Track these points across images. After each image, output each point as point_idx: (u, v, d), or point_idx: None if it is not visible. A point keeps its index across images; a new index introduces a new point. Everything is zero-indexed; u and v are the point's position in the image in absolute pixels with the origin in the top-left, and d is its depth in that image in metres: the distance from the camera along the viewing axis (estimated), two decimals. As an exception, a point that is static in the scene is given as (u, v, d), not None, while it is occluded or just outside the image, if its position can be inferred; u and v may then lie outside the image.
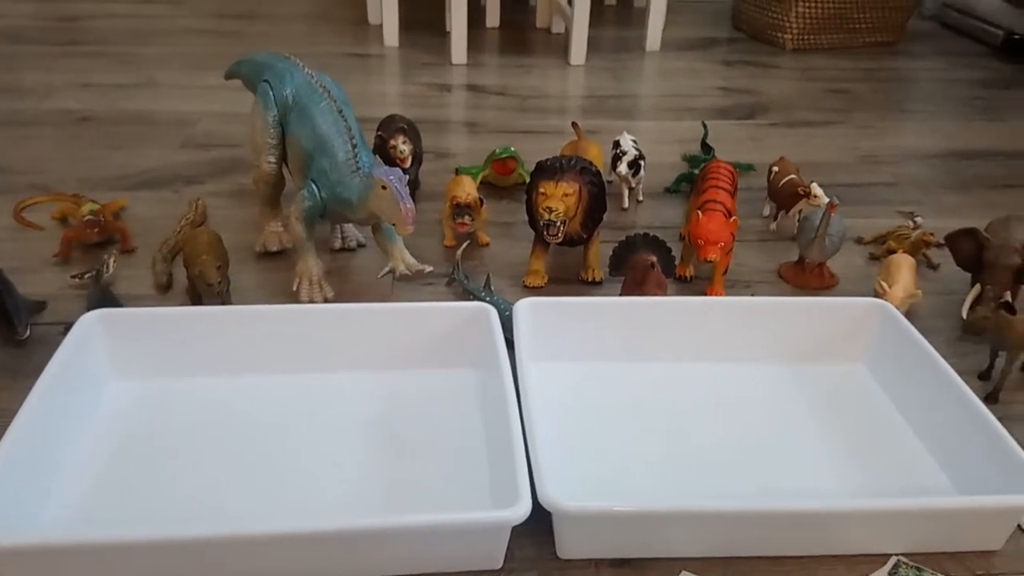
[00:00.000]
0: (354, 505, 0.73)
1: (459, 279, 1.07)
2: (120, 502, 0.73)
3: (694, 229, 1.02)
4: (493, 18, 2.37)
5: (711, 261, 1.01)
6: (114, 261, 1.04)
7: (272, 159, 1.07)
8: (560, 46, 2.21)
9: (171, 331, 0.86)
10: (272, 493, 0.74)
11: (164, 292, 1.03)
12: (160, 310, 0.88)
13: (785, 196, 1.22)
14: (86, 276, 1.02)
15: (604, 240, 1.13)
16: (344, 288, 1.07)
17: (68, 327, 0.83)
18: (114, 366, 0.85)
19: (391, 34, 2.12)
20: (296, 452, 0.79)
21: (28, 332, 0.93)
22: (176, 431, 0.80)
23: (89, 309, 0.88)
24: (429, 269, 1.06)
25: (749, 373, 0.92)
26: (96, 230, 1.10)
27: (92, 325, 0.84)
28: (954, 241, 1.08)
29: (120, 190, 1.30)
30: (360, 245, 1.17)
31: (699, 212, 1.03)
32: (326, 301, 1.02)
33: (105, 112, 1.62)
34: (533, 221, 1.07)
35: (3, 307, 0.92)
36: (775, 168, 1.27)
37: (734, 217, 1.04)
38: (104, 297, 0.93)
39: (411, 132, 1.26)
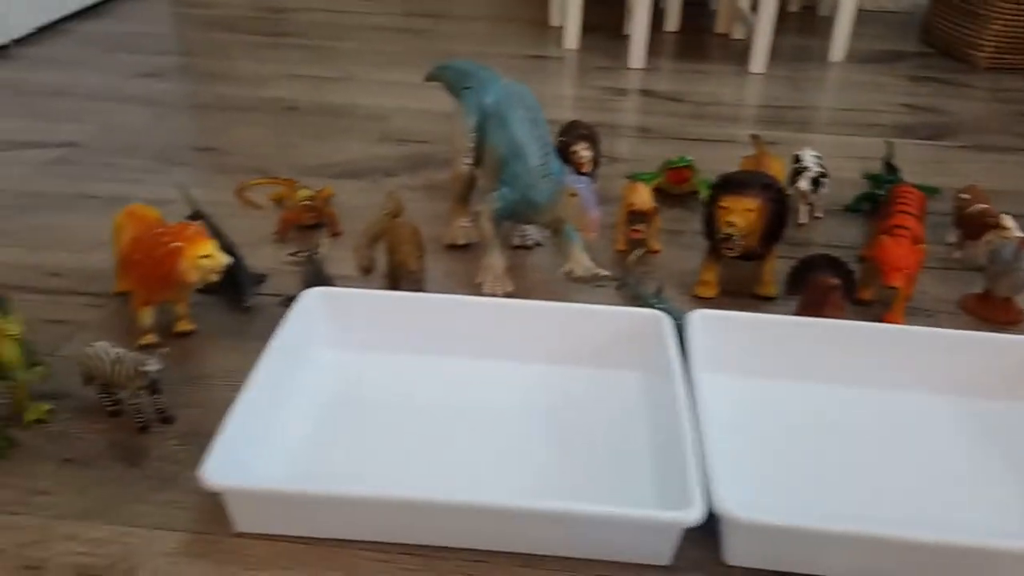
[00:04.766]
0: (525, 486, 0.79)
1: (630, 284, 1.11)
2: (330, 458, 0.82)
3: (880, 253, 1.01)
4: (672, 22, 2.37)
5: (895, 287, 1.01)
6: (326, 243, 1.15)
7: (469, 161, 1.15)
8: (739, 52, 2.19)
9: (379, 311, 0.96)
10: (449, 466, 0.82)
11: (367, 275, 1.13)
12: (373, 293, 0.98)
13: (974, 225, 1.19)
14: (302, 255, 1.13)
15: (779, 256, 1.14)
16: (519, 284, 1.13)
17: (285, 299, 0.94)
18: (329, 338, 0.96)
19: (572, 37, 2.17)
20: (472, 431, 0.86)
21: (252, 302, 1.05)
22: (375, 401, 0.90)
23: (305, 285, 0.99)
24: (605, 274, 1.11)
25: (927, 404, 0.91)
26: (312, 214, 1.22)
27: (314, 300, 0.95)
28: None
29: (323, 177, 1.42)
30: (537, 244, 1.24)
31: (885, 236, 1.02)
32: (506, 295, 1.09)
33: (309, 103, 1.76)
34: (710, 232, 1.09)
35: (235, 278, 1.05)
36: (965, 195, 1.23)
37: (921, 244, 1.03)
38: (318, 275, 1.04)
39: (592, 139, 1.31)
